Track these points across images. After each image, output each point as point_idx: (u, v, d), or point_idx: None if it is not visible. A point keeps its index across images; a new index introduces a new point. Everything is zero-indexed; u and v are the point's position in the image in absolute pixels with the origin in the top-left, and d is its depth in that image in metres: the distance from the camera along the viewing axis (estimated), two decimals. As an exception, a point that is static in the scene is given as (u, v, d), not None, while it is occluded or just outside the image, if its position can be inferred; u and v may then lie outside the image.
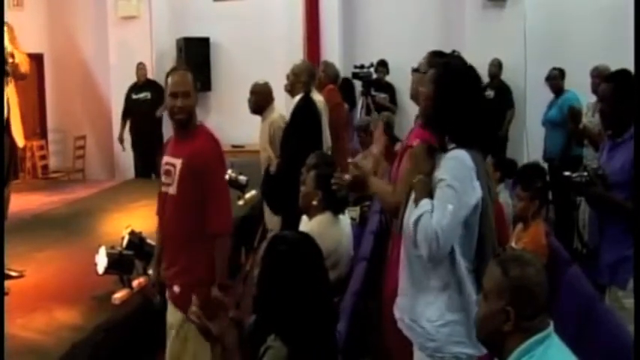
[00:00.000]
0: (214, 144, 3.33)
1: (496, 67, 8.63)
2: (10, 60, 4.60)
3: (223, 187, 3.35)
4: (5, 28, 4.56)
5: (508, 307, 1.89)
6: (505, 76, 8.67)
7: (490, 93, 8.44)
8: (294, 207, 3.81)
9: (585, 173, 3.30)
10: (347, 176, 2.74)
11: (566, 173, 3.38)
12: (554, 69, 7.54)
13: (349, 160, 5.75)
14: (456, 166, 2.37)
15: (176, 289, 3.28)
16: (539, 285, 1.91)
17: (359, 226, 4.77)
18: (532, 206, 3.95)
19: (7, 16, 4.78)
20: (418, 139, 2.72)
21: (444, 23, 9.46)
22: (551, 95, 7.62)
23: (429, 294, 2.46)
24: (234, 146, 8.49)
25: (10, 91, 4.67)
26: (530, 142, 8.46)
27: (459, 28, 9.09)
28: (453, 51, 2.84)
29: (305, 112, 5.16)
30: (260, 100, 5.60)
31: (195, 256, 3.24)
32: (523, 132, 8.63)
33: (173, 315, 3.32)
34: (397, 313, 2.61)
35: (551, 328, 1.93)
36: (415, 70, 3.10)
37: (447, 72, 2.51)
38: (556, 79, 7.46)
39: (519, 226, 4.01)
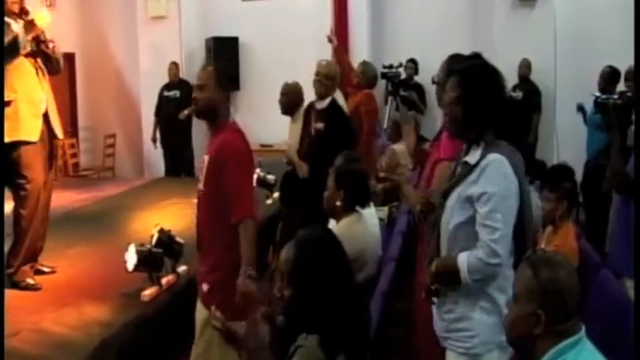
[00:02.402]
0: (238, 139, 3.33)
1: (525, 67, 8.55)
2: (51, 45, 4.67)
3: (245, 179, 3.31)
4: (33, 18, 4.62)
5: (539, 311, 1.87)
6: (534, 76, 8.58)
7: (519, 94, 8.37)
8: (317, 210, 3.80)
9: (616, 96, 3.25)
10: (379, 187, 2.74)
11: (596, 94, 3.34)
12: (609, 67, 7.21)
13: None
14: (494, 172, 2.37)
15: (204, 287, 3.29)
16: (570, 288, 1.88)
17: (387, 226, 4.76)
18: (560, 207, 3.90)
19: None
20: (448, 153, 2.71)
21: (473, 23, 9.39)
22: (581, 95, 7.51)
23: (461, 297, 2.45)
24: (262, 145, 8.51)
25: (46, 85, 4.75)
26: (560, 143, 8.37)
27: (488, 28, 9.02)
28: (473, 53, 2.82)
29: (342, 115, 5.15)
30: (291, 100, 5.59)
31: (221, 255, 3.25)
32: (553, 133, 8.54)
33: (200, 313, 3.32)
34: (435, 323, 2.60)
35: (582, 332, 1.91)
36: (435, 82, 3.09)
37: (468, 74, 2.50)
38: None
39: (549, 228, 3.97)
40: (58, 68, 4.87)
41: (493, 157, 2.38)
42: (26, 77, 4.60)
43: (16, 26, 4.46)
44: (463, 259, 2.38)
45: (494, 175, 2.36)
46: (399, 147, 6.18)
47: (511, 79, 7.91)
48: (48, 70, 4.77)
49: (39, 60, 4.70)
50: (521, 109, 8.13)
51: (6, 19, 4.51)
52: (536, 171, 4.81)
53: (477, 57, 2.73)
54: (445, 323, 2.51)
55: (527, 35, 8.65)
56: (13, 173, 4.63)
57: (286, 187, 5.17)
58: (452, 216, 2.46)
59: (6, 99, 4.50)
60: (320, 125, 4.92)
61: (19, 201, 4.64)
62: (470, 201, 2.39)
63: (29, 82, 4.61)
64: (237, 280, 3.10)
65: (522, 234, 2.42)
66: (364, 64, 7.22)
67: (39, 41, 4.65)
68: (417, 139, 6.06)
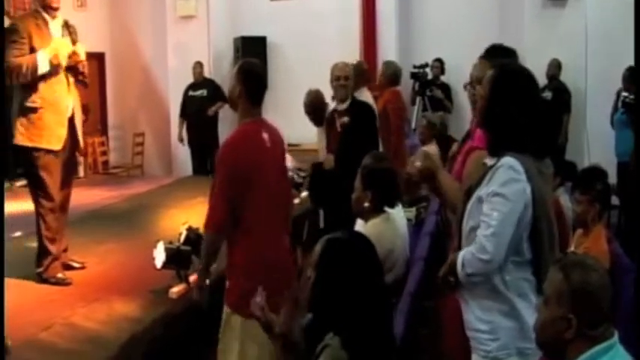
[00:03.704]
0: (232, 140, 3.32)
1: (555, 67, 8.47)
2: (80, 61, 4.75)
3: (220, 186, 3.26)
4: (65, 29, 4.70)
5: (570, 315, 1.84)
6: (564, 76, 8.49)
7: (548, 94, 8.29)
8: (345, 209, 3.79)
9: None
10: (417, 163, 2.72)
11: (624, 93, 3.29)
12: (628, 68, 7.18)
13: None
14: (504, 172, 2.36)
15: (227, 284, 3.36)
16: (602, 291, 1.85)
17: (415, 226, 4.74)
18: (592, 210, 3.84)
19: (71, 17, 4.92)
20: (483, 142, 2.68)
21: (502, 22, 9.32)
22: (612, 96, 7.43)
23: (480, 296, 2.44)
24: (290, 145, 8.51)
25: (74, 92, 4.81)
26: (590, 144, 8.27)
27: (518, 27, 8.95)
28: (506, 48, 2.79)
29: (366, 107, 5.15)
30: (315, 111, 5.61)
31: (236, 254, 3.31)
32: (583, 134, 8.45)
33: (224, 309, 3.37)
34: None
35: (615, 337, 1.87)
36: (469, 84, 3.04)
37: (498, 82, 2.48)
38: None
39: (579, 231, 3.92)
40: (85, 86, 4.98)
41: (506, 160, 2.37)
42: (55, 85, 4.63)
43: (43, 55, 4.50)
44: (460, 255, 2.41)
45: (502, 177, 2.36)
46: (431, 148, 6.17)
47: (540, 79, 7.84)
48: (76, 78, 4.83)
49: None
50: (550, 109, 8.05)
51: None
52: (566, 172, 4.76)
53: (508, 52, 2.69)
54: (470, 324, 2.50)
55: (557, 35, 8.57)
56: (30, 174, 4.70)
57: (315, 186, 5.19)
58: (467, 219, 2.46)
59: (33, 105, 4.56)
60: (345, 119, 4.92)
61: (39, 201, 4.71)
62: (481, 203, 2.39)
63: (57, 90, 4.64)
64: (255, 276, 3.11)
65: (538, 243, 2.39)
66: (384, 63, 7.22)
67: (76, 70, 4.75)
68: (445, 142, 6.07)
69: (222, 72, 9.71)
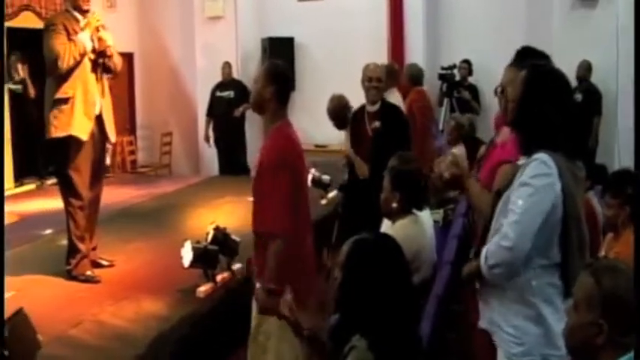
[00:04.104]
0: (283, 143, 3.29)
1: (585, 69, 8.37)
2: (108, 46, 4.83)
3: (280, 188, 3.19)
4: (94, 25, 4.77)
5: (600, 320, 1.81)
6: (595, 78, 8.39)
7: (578, 96, 8.19)
8: (374, 210, 3.79)
9: None
10: (446, 173, 2.71)
11: None
12: None
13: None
14: (535, 166, 2.34)
15: (257, 285, 3.30)
16: (633, 297, 1.83)
17: (442, 229, 4.72)
18: (622, 214, 3.78)
19: (101, 17, 4.98)
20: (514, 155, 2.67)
21: (531, 23, 9.23)
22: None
23: (507, 300, 2.42)
24: (317, 146, 8.55)
25: (105, 89, 4.88)
26: (621, 147, 8.16)
27: (547, 28, 8.86)
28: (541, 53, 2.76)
29: (397, 111, 5.13)
30: (337, 117, 5.62)
31: (265, 255, 3.24)
32: (614, 137, 8.33)
33: (254, 311, 3.35)
34: (482, 323, 2.58)
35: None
36: (501, 92, 3.01)
37: (532, 82, 2.45)
38: None
39: (610, 235, 3.87)
40: (116, 72, 5.04)
41: (539, 155, 2.35)
42: (85, 77, 4.74)
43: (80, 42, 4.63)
44: (484, 248, 2.39)
45: (533, 170, 2.34)
46: (459, 150, 6.14)
47: (570, 80, 7.75)
48: (104, 70, 4.90)
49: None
50: (581, 111, 7.97)
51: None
52: (596, 175, 4.70)
53: (546, 57, 2.67)
54: (494, 321, 2.49)
55: (587, 36, 8.46)
56: (60, 171, 4.77)
57: (347, 188, 5.20)
58: (497, 219, 2.44)
59: (65, 95, 4.66)
60: (377, 123, 4.89)
61: (68, 199, 4.78)
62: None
63: (87, 83, 4.75)
64: (291, 278, 3.11)
65: (567, 246, 2.36)
66: (406, 65, 7.20)
67: (104, 55, 4.83)
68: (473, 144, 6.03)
69: (250, 73, 9.74)
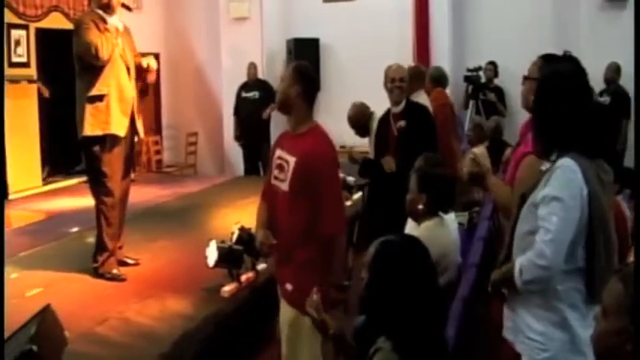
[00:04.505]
0: (329, 145, 3.31)
1: (614, 71, 8.27)
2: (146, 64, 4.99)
3: (337, 188, 3.34)
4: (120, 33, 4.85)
5: (630, 327, 1.80)
6: (624, 80, 8.28)
7: (606, 99, 8.11)
8: (399, 210, 3.78)
9: None
10: (465, 170, 2.70)
11: None
12: None
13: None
14: (561, 176, 2.31)
15: (289, 286, 3.25)
16: None
17: (467, 231, 4.70)
18: (651, 217, 3.75)
19: (127, 18, 5.06)
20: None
21: (559, 24, 9.15)
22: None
23: (532, 306, 2.40)
24: (342, 147, 8.51)
25: (134, 84, 4.98)
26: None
27: (574, 29, 8.77)
28: (565, 52, 2.72)
29: (422, 109, 5.12)
30: (357, 124, 5.61)
31: (310, 255, 3.19)
32: (643, 140, 8.22)
33: (286, 313, 3.28)
34: (506, 332, 2.56)
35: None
36: (526, 78, 3.00)
37: (551, 78, 2.44)
38: None
39: None
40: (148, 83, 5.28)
41: (563, 161, 2.32)
42: (119, 74, 4.81)
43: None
44: (517, 262, 2.37)
45: (560, 180, 2.31)
46: (479, 150, 6.10)
47: (597, 82, 7.66)
48: (141, 78, 5.04)
49: (129, 60, 4.88)
50: (608, 114, 7.88)
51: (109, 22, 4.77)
52: (625, 179, 4.64)
53: (569, 59, 2.65)
54: (518, 329, 2.47)
55: (616, 37, 8.35)
56: (91, 168, 4.82)
57: (373, 186, 5.20)
58: (521, 223, 2.42)
59: (99, 93, 4.72)
60: (402, 123, 4.87)
61: (100, 197, 4.83)
62: (536, 207, 2.35)
63: (121, 80, 4.82)
64: (320, 278, 3.09)
65: (593, 251, 2.33)
66: (430, 68, 7.16)
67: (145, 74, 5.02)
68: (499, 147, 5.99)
69: (275, 73, 9.77)
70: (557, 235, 2.27)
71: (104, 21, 4.78)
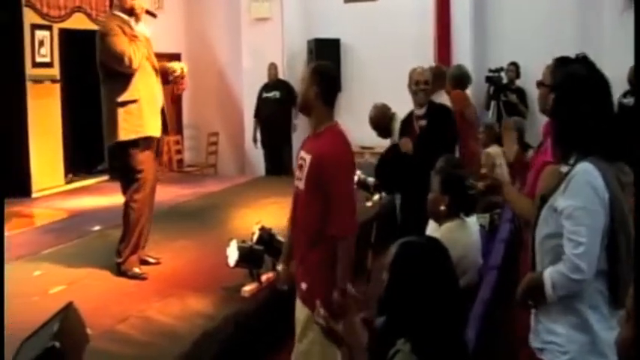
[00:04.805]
0: (343, 144, 3.30)
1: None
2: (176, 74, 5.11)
3: (347, 189, 3.27)
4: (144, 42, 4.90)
5: None
6: (648, 82, 8.19)
7: (630, 100, 8.01)
8: (420, 210, 3.77)
9: None
10: (481, 184, 2.71)
11: None
12: None
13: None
14: (582, 183, 2.28)
15: (303, 286, 3.28)
16: None
17: (488, 233, 4.67)
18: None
19: (148, 18, 5.11)
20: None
21: (581, 25, 9.06)
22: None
23: (554, 308, 2.38)
24: (362, 147, 8.52)
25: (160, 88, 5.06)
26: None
27: (598, 30, 8.69)
28: (578, 55, 2.70)
29: (443, 109, 5.12)
30: (378, 125, 5.59)
31: (322, 255, 3.21)
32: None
33: (299, 312, 3.32)
34: (532, 340, 2.54)
35: None
36: (540, 84, 2.98)
37: (564, 82, 2.42)
38: None
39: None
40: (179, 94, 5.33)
41: (581, 166, 2.30)
42: (148, 77, 4.88)
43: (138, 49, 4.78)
44: (547, 275, 2.32)
45: (580, 187, 2.28)
46: (492, 149, 6.08)
47: (622, 83, 7.58)
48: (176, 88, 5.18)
49: (154, 61, 4.93)
50: (632, 116, 7.78)
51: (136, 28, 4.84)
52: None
53: (582, 61, 2.62)
54: (539, 335, 2.45)
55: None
56: (125, 168, 4.86)
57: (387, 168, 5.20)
58: (541, 226, 2.40)
59: (132, 98, 4.78)
60: (423, 122, 4.89)
61: (131, 194, 4.87)
62: (556, 212, 2.32)
63: (150, 83, 4.90)
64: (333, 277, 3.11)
65: (615, 255, 2.30)
66: (451, 67, 7.11)
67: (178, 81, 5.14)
68: (522, 148, 5.94)
69: (296, 74, 9.77)
70: (588, 247, 2.24)
71: (129, 26, 4.81)
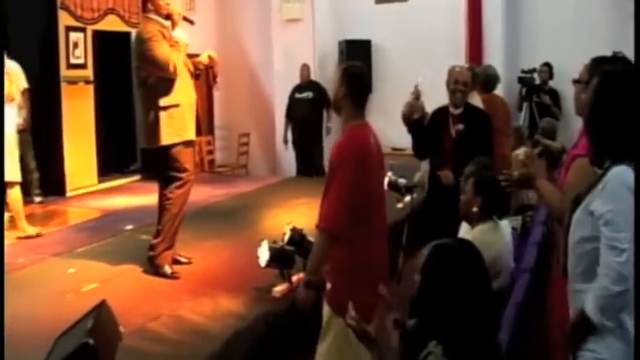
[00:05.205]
0: (351, 142, 3.27)
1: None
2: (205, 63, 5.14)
3: (343, 188, 3.19)
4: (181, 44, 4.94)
5: None
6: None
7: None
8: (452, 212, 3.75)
9: None
10: (515, 173, 2.67)
11: None
12: None
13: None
14: (618, 186, 2.23)
15: (328, 286, 3.32)
16: None
17: (520, 236, 4.63)
18: None
19: (184, 24, 5.13)
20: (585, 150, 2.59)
21: (616, 25, 8.90)
22: None
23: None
24: (394, 149, 8.48)
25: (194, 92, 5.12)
26: None
27: (632, 31, 8.51)
28: (615, 53, 2.65)
29: (480, 113, 5.07)
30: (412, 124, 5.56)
31: (342, 255, 3.24)
32: None
33: (324, 311, 3.35)
34: None
35: None
36: (576, 81, 2.94)
37: (605, 79, 2.37)
38: None
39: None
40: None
41: (617, 169, 2.25)
42: (186, 81, 4.95)
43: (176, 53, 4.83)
44: (589, 304, 2.24)
45: (617, 190, 2.22)
46: (521, 151, 6.02)
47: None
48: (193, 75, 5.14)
49: (189, 65, 4.99)
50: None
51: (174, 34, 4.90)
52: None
53: (620, 60, 2.57)
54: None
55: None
56: (168, 169, 4.91)
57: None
58: (575, 229, 2.36)
59: (174, 102, 4.85)
60: (461, 126, 4.84)
61: (173, 189, 4.93)
62: (593, 215, 2.27)
63: (188, 87, 4.98)
64: (359, 280, 3.12)
65: None
66: (480, 70, 7.04)
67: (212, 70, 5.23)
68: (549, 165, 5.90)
69: (327, 75, 9.79)
70: (630, 253, 2.17)
71: (165, 27, 4.87)
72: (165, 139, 4.83)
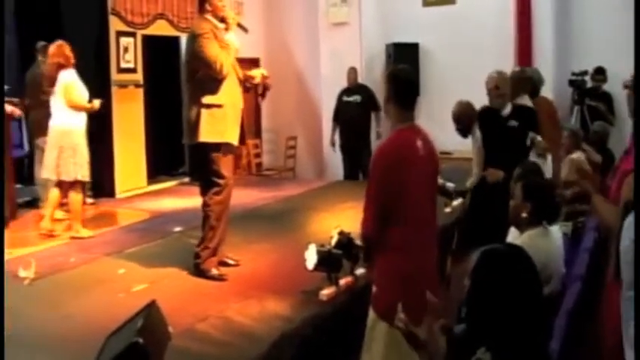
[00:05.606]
0: (391, 146, 3.29)
1: None
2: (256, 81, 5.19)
3: (371, 190, 3.25)
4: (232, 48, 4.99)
5: None
6: None
7: None
8: (502, 216, 3.70)
9: None
10: (568, 192, 2.63)
11: None
12: None
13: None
14: None
15: (374, 289, 3.33)
16: None
17: (571, 241, 4.54)
18: None
19: (238, 31, 5.18)
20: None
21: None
22: None
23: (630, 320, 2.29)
24: (442, 153, 8.38)
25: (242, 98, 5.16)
26: None
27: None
28: None
29: (530, 111, 5.08)
30: (460, 122, 5.54)
31: (387, 259, 3.25)
32: None
33: (370, 314, 3.35)
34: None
35: None
36: (627, 87, 2.87)
37: None
38: None
39: None
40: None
41: None
42: (233, 85, 4.98)
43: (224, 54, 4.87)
44: None
45: None
46: (577, 155, 5.90)
47: None
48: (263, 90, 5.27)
49: (239, 70, 5.05)
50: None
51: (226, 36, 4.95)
52: None
53: None
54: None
55: None
56: (206, 171, 4.96)
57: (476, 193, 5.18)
58: (625, 235, 2.31)
59: (218, 102, 4.88)
60: (513, 122, 4.92)
61: (211, 196, 4.96)
62: None
63: (235, 92, 5.01)
64: (406, 285, 3.10)
65: None
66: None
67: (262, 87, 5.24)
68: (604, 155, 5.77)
69: (375, 78, 9.78)
70: None
71: (218, 29, 4.93)
72: (204, 135, 4.84)
